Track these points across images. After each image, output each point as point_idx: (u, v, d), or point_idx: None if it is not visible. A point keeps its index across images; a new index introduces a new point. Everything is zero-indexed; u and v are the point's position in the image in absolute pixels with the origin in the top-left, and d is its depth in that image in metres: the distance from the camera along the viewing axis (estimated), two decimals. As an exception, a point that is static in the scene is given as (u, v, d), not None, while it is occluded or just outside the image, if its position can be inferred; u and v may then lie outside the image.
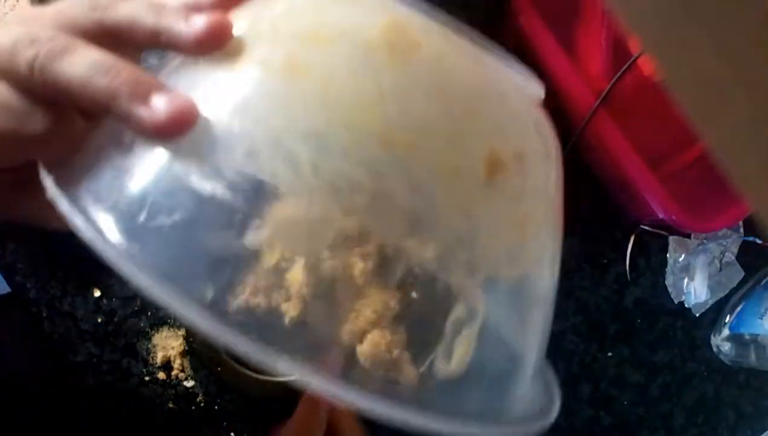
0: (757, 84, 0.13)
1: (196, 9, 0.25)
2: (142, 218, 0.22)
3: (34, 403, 0.52)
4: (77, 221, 0.21)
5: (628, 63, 0.44)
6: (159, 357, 0.52)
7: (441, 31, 0.23)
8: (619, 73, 0.44)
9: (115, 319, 0.52)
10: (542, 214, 0.25)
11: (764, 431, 0.55)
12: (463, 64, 0.24)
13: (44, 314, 0.52)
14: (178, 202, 0.22)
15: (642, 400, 0.55)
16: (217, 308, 0.21)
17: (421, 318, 0.23)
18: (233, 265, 0.22)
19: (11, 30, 0.23)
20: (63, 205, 0.22)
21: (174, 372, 0.52)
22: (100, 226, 0.21)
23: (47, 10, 0.24)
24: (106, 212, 0.22)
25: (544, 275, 0.26)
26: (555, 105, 0.48)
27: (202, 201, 0.22)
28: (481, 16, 0.53)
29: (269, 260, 0.22)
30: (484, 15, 0.53)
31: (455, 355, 0.23)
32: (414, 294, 0.23)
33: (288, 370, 0.19)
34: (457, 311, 0.23)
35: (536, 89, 0.25)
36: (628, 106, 0.45)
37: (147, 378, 0.52)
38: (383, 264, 0.22)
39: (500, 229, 0.24)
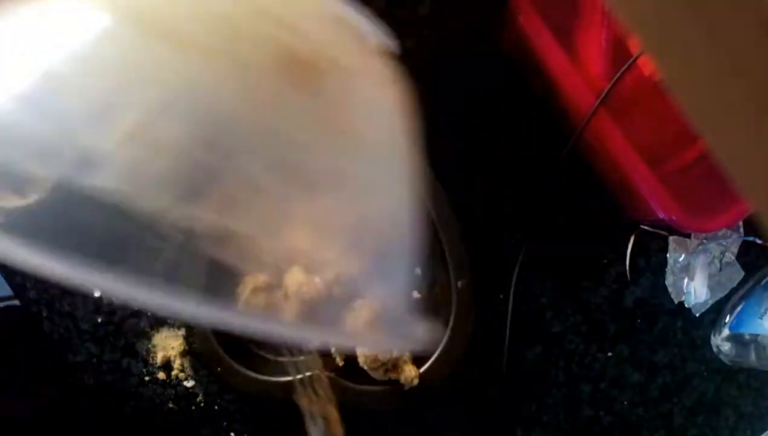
0: (757, 83, 0.13)
1: None
2: None
3: (35, 403, 0.52)
4: None
5: (628, 63, 0.44)
6: (159, 357, 0.52)
7: None
8: (619, 73, 0.44)
9: (115, 319, 0.52)
10: (380, 130, 0.25)
11: (764, 431, 0.55)
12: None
13: (44, 314, 0.52)
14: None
15: (642, 400, 0.55)
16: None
17: None
18: None
19: None
20: None
21: (174, 372, 0.52)
22: None
23: None
24: None
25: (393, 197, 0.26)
26: (555, 105, 0.48)
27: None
28: (481, 16, 0.53)
29: None
30: (485, 15, 0.53)
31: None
32: None
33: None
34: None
35: (380, 36, 0.25)
36: (628, 106, 0.45)
37: (147, 378, 0.52)
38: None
39: (323, 135, 0.23)
